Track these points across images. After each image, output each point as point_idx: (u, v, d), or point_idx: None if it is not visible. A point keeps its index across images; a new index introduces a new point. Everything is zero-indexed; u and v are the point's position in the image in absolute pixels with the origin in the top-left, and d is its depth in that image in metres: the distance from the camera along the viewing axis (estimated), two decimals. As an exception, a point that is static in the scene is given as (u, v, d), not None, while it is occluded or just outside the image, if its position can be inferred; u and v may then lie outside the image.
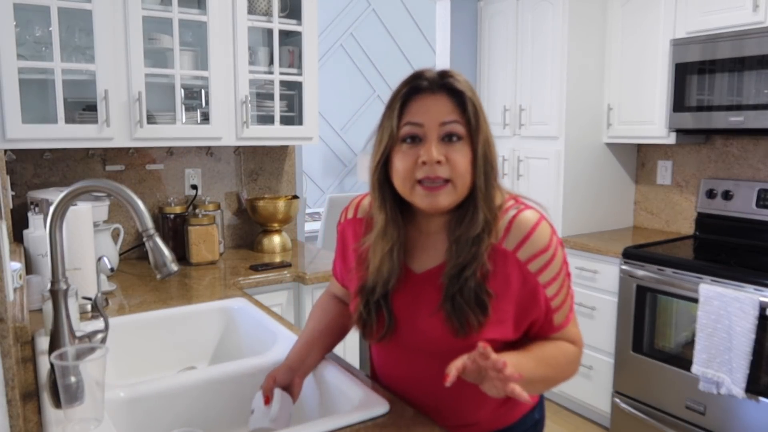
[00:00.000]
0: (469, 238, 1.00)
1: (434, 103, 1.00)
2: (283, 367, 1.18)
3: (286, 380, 1.17)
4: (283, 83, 2.50)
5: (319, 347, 1.24)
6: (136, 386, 1.20)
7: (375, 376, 1.25)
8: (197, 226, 2.37)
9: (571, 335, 1.09)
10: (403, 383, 1.15)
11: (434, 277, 1.05)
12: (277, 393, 1.12)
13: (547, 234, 1.02)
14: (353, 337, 2.21)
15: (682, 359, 2.50)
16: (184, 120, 2.33)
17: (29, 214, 1.90)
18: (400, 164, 1.01)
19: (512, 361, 0.94)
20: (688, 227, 3.13)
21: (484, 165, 1.01)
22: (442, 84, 1.01)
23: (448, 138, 0.99)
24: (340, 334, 1.27)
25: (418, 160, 0.99)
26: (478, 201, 1.01)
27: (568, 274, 1.08)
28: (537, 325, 1.07)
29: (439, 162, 0.98)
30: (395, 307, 1.08)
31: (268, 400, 1.11)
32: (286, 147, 2.84)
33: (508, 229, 1.02)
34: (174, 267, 1.20)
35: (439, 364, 0.98)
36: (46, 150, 2.28)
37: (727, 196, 2.87)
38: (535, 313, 1.04)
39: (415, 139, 1.00)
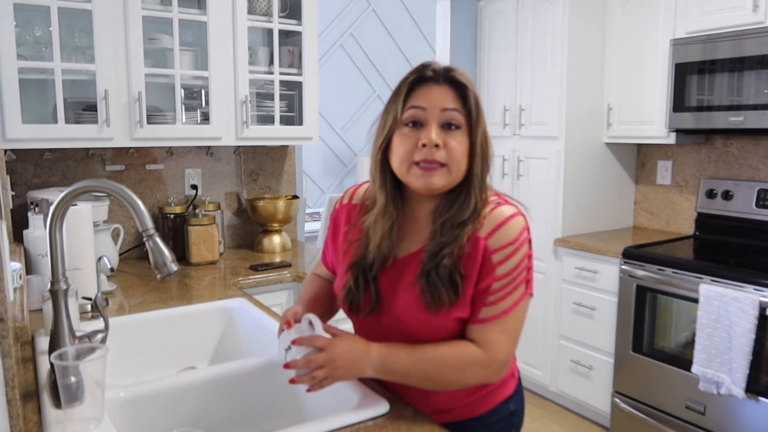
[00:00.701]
0: (455, 222, 1.06)
1: (438, 91, 1.06)
2: (297, 306, 1.19)
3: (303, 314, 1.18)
4: (283, 83, 2.50)
5: (318, 308, 1.25)
6: (136, 386, 1.20)
7: None
8: (197, 226, 2.37)
9: (487, 337, 1.06)
10: None
11: (415, 258, 1.10)
12: (305, 316, 1.09)
13: (518, 228, 1.06)
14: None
15: (682, 359, 2.50)
16: (184, 120, 2.33)
17: (29, 214, 1.90)
18: (400, 146, 1.06)
19: (385, 351, 1.04)
20: (688, 227, 3.13)
21: (481, 155, 1.07)
22: (447, 77, 1.07)
23: (447, 126, 1.05)
24: (331, 306, 1.30)
25: (418, 143, 1.04)
26: (472, 187, 1.06)
27: (527, 282, 1.08)
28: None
29: (437, 146, 1.03)
30: (381, 286, 1.13)
31: (290, 324, 1.09)
32: (286, 147, 2.84)
33: (485, 218, 1.07)
34: (174, 267, 1.20)
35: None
36: (46, 150, 2.28)
37: (727, 196, 2.86)
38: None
39: (417, 124, 1.06)
